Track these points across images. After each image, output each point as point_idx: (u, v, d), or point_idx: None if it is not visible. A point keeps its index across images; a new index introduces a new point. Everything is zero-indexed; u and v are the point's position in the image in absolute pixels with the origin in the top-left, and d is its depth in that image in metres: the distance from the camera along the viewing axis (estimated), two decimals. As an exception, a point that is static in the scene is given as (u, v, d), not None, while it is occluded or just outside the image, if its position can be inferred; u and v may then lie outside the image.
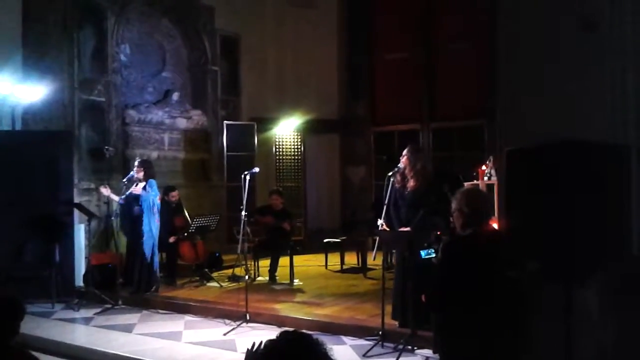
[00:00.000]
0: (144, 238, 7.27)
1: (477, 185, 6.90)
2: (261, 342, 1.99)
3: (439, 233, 4.84)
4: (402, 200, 5.60)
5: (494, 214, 3.49)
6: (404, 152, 5.63)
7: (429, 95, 11.19)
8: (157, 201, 7.40)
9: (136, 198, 7.37)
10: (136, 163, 7.62)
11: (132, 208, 7.42)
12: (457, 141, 11.04)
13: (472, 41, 10.18)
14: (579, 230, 2.34)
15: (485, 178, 6.96)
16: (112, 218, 7.72)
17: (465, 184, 6.17)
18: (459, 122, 10.71)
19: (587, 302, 3.00)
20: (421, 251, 4.76)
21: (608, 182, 2.39)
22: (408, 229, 5.40)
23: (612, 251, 2.41)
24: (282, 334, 1.87)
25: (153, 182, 7.45)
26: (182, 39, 10.84)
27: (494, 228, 3.32)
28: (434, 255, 4.56)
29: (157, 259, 7.53)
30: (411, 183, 5.54)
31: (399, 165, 5.62)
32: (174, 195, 8.44)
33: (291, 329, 1.91)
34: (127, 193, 7.41)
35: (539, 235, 2.42)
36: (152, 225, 7.30)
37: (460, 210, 3.12)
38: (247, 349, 2.04)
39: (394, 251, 6.89)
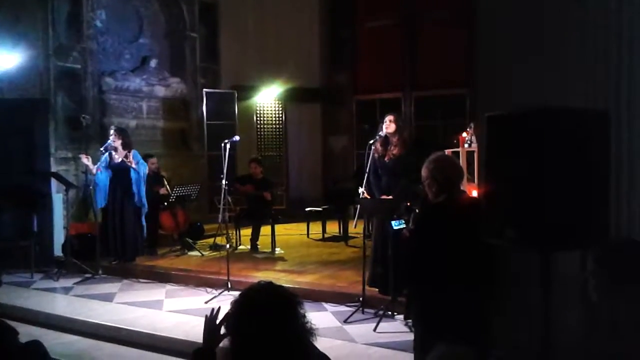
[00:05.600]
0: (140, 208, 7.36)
1: (457, 152, 6.90)
2: (219, 308, 2.01)
3: (408, 204, 4.80)
4: (382, 169, 5.59)
5: (463, 180, 3.47)
6: (388, 118, 5.57)
7: (411, 64, 11.11)
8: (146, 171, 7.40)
9: (126, 168, 7.25)
10: (112, 131, 7.47)
11: (123, 177, 7.29)
12: (439, 110, 11.02)
13: (453, 8, 10.07)
14: (554, 198, 2.33)
15: (466, 145, 6.94)
16: (90, 187, 7.62)
17: (446, 151, 6.14)
18: (442, 91, 10.67)
19: (568, 274, 3.03)
20: (392, 222, 4.74)
21: (589, 149, 2.38)
22: (390, 197, 5.41)
23: (594, 222, 2.40)
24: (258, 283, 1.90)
25: (137, 152, 7.37)
26: (159, 4, 10.59)
27: (472, 195, 3.33)
28: (404, 226, 4.54)
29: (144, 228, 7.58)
30: (395, 151, 5.51)
31: (379, 133, 5.58)
32: (153, 162, 8.35)
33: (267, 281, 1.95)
34: (116, 162, 7.30)
35: (517, 201, 2.41)
36: (142, 195, 7.32)
37: (433, 178, 3.11)
38: (206, 316, 2.05)
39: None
